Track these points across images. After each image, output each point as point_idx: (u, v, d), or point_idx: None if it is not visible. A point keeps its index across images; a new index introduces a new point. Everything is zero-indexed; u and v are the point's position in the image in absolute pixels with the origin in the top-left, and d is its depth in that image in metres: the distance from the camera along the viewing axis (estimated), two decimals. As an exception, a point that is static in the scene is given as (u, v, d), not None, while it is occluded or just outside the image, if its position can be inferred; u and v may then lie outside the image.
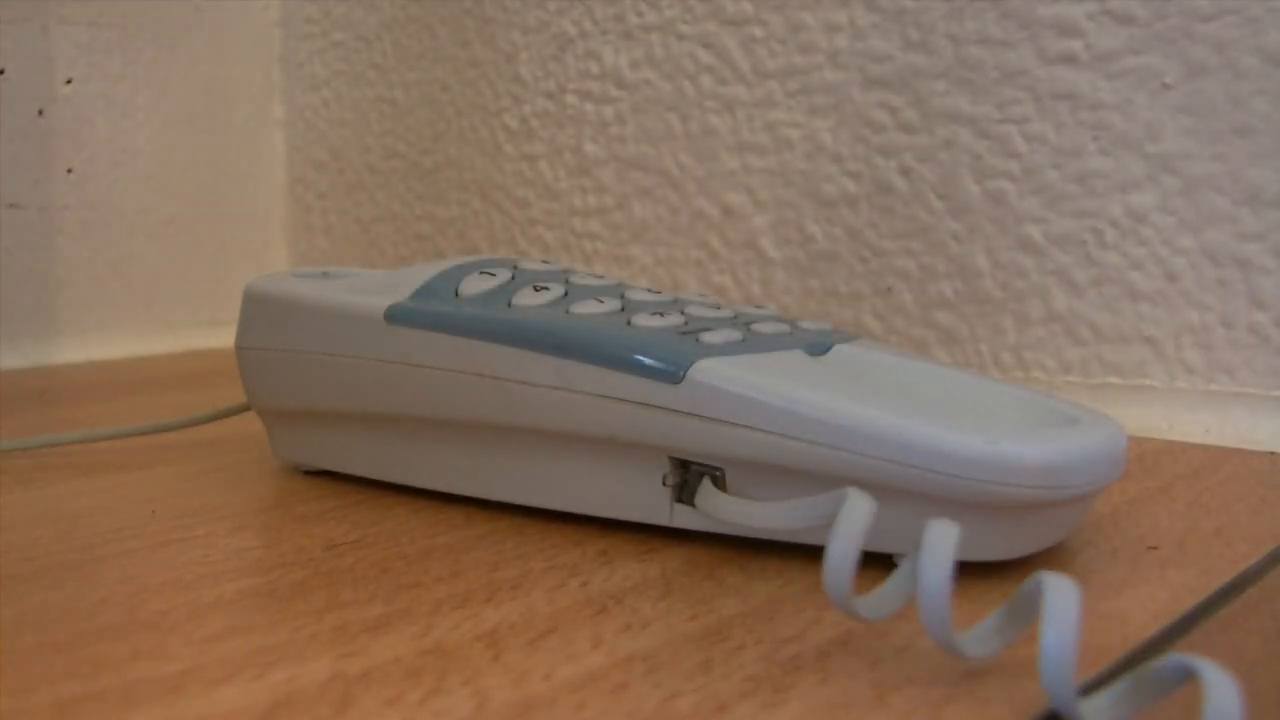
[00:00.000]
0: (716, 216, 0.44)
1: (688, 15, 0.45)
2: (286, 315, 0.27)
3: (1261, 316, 0.34)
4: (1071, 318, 0.37)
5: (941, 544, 0.16)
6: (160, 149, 0.52)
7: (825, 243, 0.42)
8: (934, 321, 0.40)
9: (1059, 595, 0.15)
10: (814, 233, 0.42)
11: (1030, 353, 0.38)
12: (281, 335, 0.27)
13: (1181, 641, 0.19)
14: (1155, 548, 0.23)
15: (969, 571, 0.20)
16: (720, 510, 0.21)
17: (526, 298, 0.25)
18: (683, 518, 0.23)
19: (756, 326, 0.24)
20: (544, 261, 0.28)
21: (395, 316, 0.25)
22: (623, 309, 0.25)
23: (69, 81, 0.49)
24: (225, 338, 0.52)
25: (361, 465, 0.27)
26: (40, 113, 0.48)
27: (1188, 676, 0.14)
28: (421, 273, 0.26)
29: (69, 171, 0.49)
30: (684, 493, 0.22)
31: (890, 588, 0.18)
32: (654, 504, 0.23)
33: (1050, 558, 0.22)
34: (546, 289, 0.25)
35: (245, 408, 0.29)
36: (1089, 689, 0.16)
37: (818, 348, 0.24)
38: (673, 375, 0.22)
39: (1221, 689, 0.14)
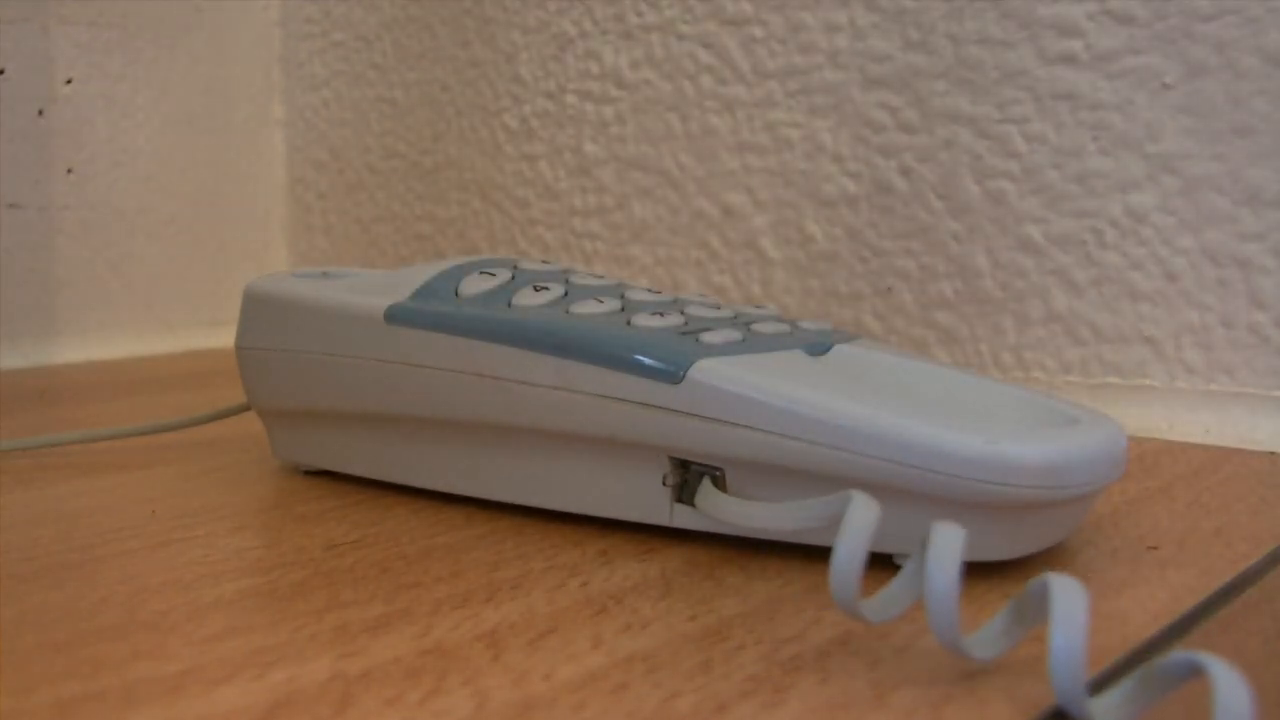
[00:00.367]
0: (716, 216, 0.44)
1: (688, 15, 0.45)
2: (286, 315, 0.27)
3: (1261, 316, 0.34)
4: (1071, 318, 0.37)
5: (948, 548, 0.16)
6: (160, 149, 0.52)
7: (825, 243, 0.42)
8: (934, 321, 0.40)
9: (1067, 597, 0.15)
10: (814, 233, 0.42)
11: (1030, 353, 0.38)
12: (281, 335, 0.27)
13: (1181, 641, 0.19)
14: (1155, 548, 0.23)
15: (969, 571, 0.20)
16: (720, 510, 0.21)
17: (526, 298, 0.25)
18: (683, 518, 0.23)
19: (756, 326, 0.24)
20: (544, 261, 0.28)
21: (395, 316, 0.25)
22: (623, 309, 0.25)
23: (69, 81, 0.49)
24: (225, 338, 0.52)
25: (361, 465, 0.27)
26: (40, 113, 0.48)
27: (1194, 673, 0.14)
28: (421, 273, 0.26)
29: (69, 171, 0.49)
30: (684, 493, 0.22)
31: (895, 590, 0.18)
32: (654, 504, 0.23)
33: (1050, 558, 0.22)
34: (546, 289, 0.25)
35: (245, 408, 0.29)
36: (1092, 688, 0.16)
37: (818, 348, 0.24)
38: (673, 375, 0.22)
39: (1230, 685, 0.14)
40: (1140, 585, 0.21)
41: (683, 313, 0.24)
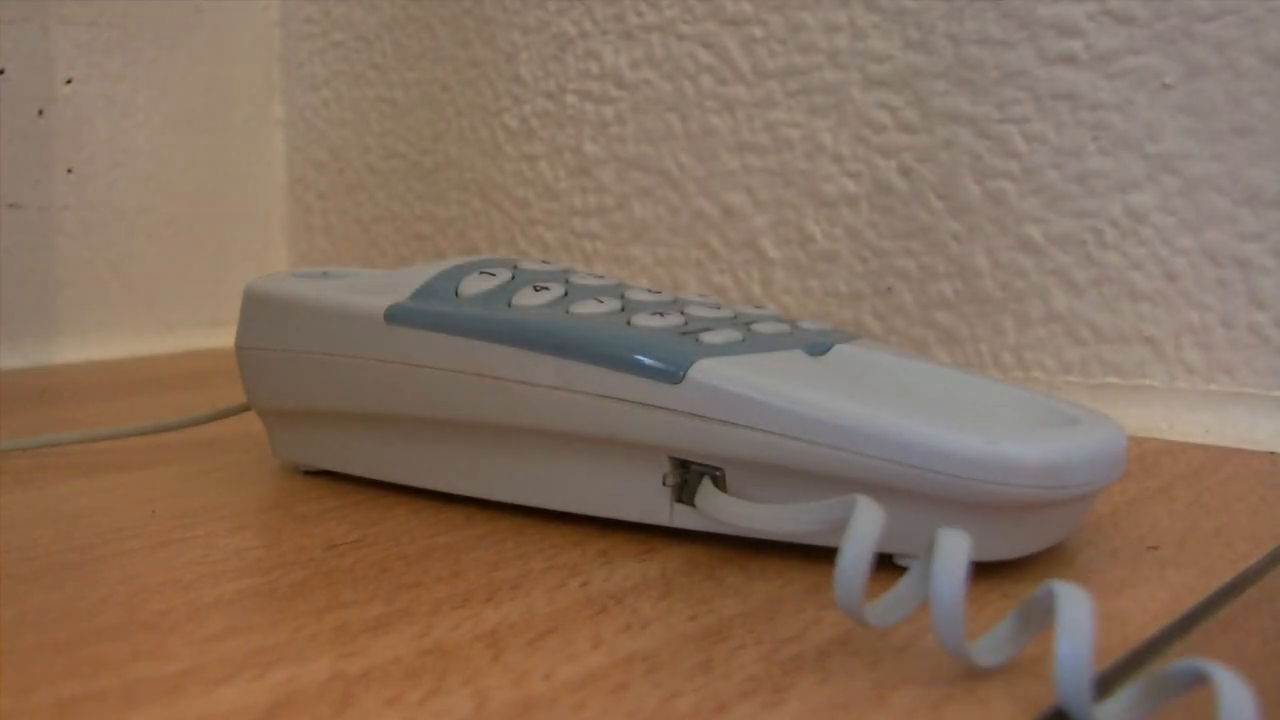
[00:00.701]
0: (716, 216, 0.44)
1: (688, 15, 0.45)
2: (286, 315, 0.27)
3: (1261, 316, 0.34)
4: (1071, 318, 0.37)
5: (954, 554, 0.16)
6: (160, 149, 0.52)
7: (825, 243, 0.42)
8: (934, 321, 0.40)
9: (1073, 605, 0.15)
10: (814, 233, 0.42)
11: (1030, 353, 0.38)
12: (281, 335, 0.27)
13: (1181, 642, 0.19)
14: (1155, 548, 0.23)
15: (969, 572, 0.20)
16: (720, 511, 0.21)
17: (526, 298, 0.25)
18: (683, 518, 0.23)
19: (756, 326, 0.24)
20: (544, 261, 0.28)
21: (395, 316, 0.25)
22: (623, 309, 0.25)
23: (69, 81, 0.49)
24: (225, 338, 0.52)
25: (361, 465, 0.27)
26: (40, 113, 0.48)
27: (1199, 680, 0.14)
28: (421, 273, 0.26)
29: (69, 171, 0.49)
30: (684, 493, 0.22)
31: (899, 594, 0.17)
32: (654, 504, 0.23)
33: (1050, 558, 0.22)
34: (546, 289, 0.25)
35: (245, 408, 0.29)
36: (1093, 690, 0.16)
37: (818, 348, 0.24)
38: (673, 375, 0.22)
39: (1235, 693, 0.14)
40: (1140, 585, 0.21)
41: (683, 313, 0.24)
